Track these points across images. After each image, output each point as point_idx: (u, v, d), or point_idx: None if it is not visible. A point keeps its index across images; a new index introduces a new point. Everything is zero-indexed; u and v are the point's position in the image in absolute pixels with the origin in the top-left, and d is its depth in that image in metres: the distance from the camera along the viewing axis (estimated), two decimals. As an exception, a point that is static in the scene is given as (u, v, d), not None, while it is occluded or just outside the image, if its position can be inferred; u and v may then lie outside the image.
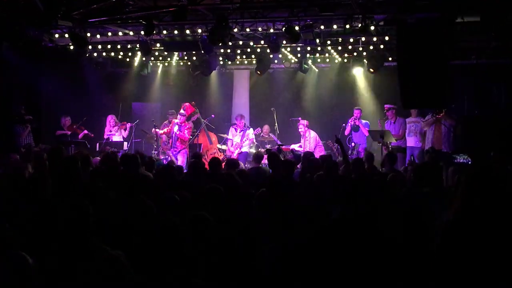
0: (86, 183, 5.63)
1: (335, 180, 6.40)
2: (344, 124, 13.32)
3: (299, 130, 13.55)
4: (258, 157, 9.17)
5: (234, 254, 3.95)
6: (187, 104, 13.92)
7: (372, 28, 10.69)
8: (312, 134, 13.41)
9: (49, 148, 8.54)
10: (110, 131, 13.99)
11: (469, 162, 9.26)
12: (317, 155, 12.56)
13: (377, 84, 14.71)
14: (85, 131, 13.64)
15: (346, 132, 13.24)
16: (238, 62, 15.79)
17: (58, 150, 7.46)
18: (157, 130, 13.61)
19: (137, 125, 14.26)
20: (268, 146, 14.06)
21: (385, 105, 13.00)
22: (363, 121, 13.33)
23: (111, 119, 14.10)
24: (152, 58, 15.33)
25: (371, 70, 13.57)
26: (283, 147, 13.65)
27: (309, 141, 13.31)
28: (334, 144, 13.47)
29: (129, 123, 14.11)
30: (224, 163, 8.81)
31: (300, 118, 14.11)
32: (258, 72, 14.62)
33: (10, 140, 12.30)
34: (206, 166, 8.32)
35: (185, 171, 8.87)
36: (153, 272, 3.62)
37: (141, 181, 5.56)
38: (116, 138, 13.84)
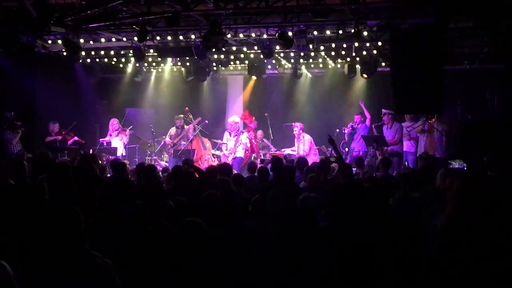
0: (80, 189, 5.59)
1: (326, 185, 6.39)
2: (337, 130, 13.32)
3: (294, 132, 13.52)
4: (252, 167, 9.21)
5: (230, 259, 3.93)
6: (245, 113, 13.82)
7: (365, 33, 10.72)
8: (307, 137, 13.39)
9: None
10: (111, 135, 13.87)
11: (465, 168, 9.24)
12: (311, 158, 12.57)
13: (371, 89, 14.73)
14: (75, 138, 13.45)
15: (346, 139, 13.28)
16: (231, 68, 15.82)
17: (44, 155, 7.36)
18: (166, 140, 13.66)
19: (130, 131, 14.17)
20: (261, 152, 14.07)
21: (383, 110, 12.99)
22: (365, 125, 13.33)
23: (114, 122, 13.98)
24: (146, 64, 15.33)
25: (365, 75, 13.61)
26: (277, 152, 13.66)
27: (303, 143, 13.30)
28: (328, 149, 13.46)
29: (129, 130, 14.01)
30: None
31: (294, 123, 14.14)
32: (254, 77, 14.66)
33: (0, 147, 12.22)
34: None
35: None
36: (147, 277, 3.60)
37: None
38: (117, 143, 13.73)
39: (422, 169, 8.12)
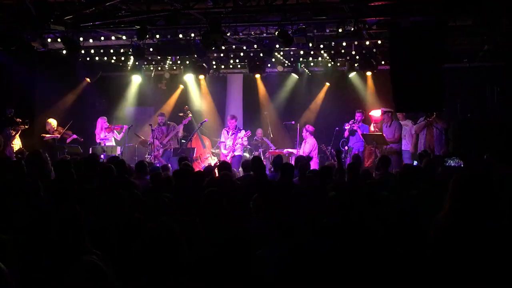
0: (79, 186, 5.59)
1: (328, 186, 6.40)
2: (337, 128, 13.28)
3: (303, 134, 13.47)
4: (247, 165, 9.23)
5: (230, 258, 3.94)
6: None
7: (365, 32, 10.72)
8: (310, 141, 13.27)
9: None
10: (100, 134, 13.89)
11: (461, 165, 9.24)
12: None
13: (371, 87, 14.74)
14: (74, 136, 13.48)
15: (346, 135, 13.25)
16: (231, 66, 15.80)
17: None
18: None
19: (130, 129, 14.18)
20: (261, 150, 14.07)
21: (382, 109, 13.00)
22: (364, 125, 13.31)
23: (102, 121, 14.02)
24: (145, 62, 15.32)
25: (365, 73, 13.60)
26: (276, 150, 13.65)
27: (304, 145, 13.26)
28: (327, 147, 13.42)
29: (125, 126, 14.05)
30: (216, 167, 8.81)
31: (293, 122, 14.13)
32: (258, 75, 14.67)
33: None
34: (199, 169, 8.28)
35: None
36: (146, 275, 3.60)
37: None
38: (109, 142, 13.76)
39: (423, 167, 8.08)
